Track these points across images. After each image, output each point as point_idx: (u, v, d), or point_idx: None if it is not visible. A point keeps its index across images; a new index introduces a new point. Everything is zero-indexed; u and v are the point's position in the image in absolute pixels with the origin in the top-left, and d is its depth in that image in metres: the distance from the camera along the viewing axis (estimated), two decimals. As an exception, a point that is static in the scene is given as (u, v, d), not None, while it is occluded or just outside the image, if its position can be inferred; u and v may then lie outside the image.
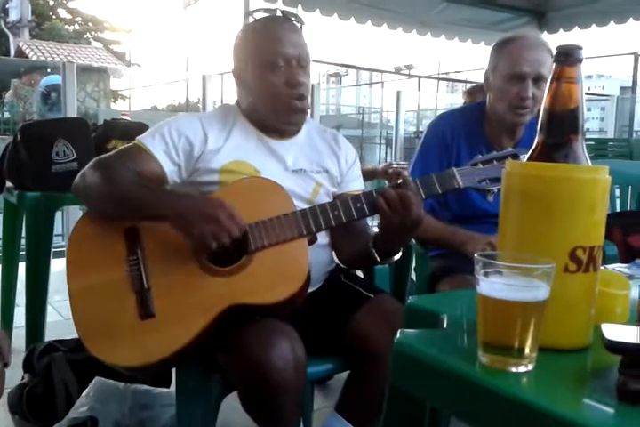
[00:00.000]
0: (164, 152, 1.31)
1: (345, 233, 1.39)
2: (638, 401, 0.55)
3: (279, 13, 1.39)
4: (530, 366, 0.61)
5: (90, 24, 22.06)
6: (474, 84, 3.47)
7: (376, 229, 1.32)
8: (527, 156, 0.73)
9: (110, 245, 1.25)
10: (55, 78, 5.88)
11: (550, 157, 0.70)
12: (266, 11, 1.39)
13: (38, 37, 17.82)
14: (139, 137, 1.34)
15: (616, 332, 0.58)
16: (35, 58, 14.53)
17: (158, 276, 1.21)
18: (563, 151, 0.70)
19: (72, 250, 1.29)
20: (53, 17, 21.21)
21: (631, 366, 0.56)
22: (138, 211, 1.24)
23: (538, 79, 1.56)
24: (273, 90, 1.33)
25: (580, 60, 0.70)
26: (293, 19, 1.38)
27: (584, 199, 0.66)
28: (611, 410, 0.55)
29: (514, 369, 0.61)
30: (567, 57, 0.70)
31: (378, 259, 1.30)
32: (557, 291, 0.61)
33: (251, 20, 1.39)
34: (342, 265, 1.46)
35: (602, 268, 0.70)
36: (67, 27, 21.12)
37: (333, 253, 1.46)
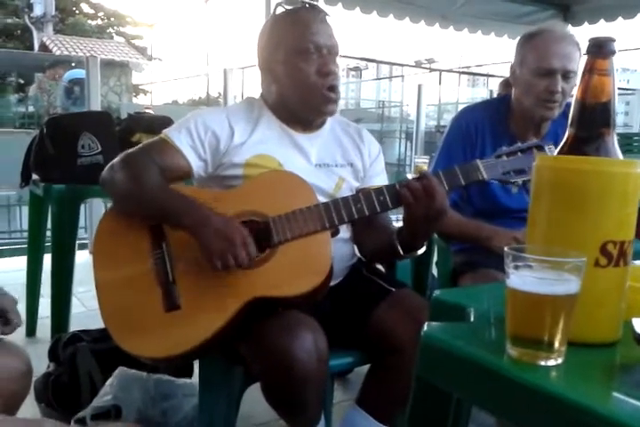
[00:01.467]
0: (190, 147, 1.31)
1: (367, 227, 1.39)
2: (670, 396, 0.54)
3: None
4: (559, 360, 0.61)
5: (112, 19, 22.20)
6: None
7: (399, 224, 1.32)
8: (558, 149, 0.72)
9: (136, 238, 1.26)
10: (78, 73, 5.94)
11: (581, 150, 0.69)
12: (290, 2, 1.37)
13: (62, 32, 17.96)
14: (165, 130, 1.34)
15: (648, 326, 0.58)
16: (58, 52, 14.66)
17: (182, 269, 1.22)
18: (594, 145, 0.69)
19: (99, 242, 1.30)
20: (77, 12, 21.36)
21: (663, 361, 0.55)
22: (158, 217, 1.25)
23: (566, 73, 1.54)
24: (304, 79, 1.31)
25: (614, 53, 0.69)
26: (320, 10, 1.37)
27: (616, 193, 0.65)
28: (641, 405, 0.55)
29: (543, 363, 0.60)
30: (600, 49, 0.69)
31: (401, 252, 1.30)
32: (588, 285, 0.61)
33: (279, 10, 1.37)
34: (364, 259, 1.46)
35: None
36: (90, 22, 21.26)
37: (355, 246, 1.46)
